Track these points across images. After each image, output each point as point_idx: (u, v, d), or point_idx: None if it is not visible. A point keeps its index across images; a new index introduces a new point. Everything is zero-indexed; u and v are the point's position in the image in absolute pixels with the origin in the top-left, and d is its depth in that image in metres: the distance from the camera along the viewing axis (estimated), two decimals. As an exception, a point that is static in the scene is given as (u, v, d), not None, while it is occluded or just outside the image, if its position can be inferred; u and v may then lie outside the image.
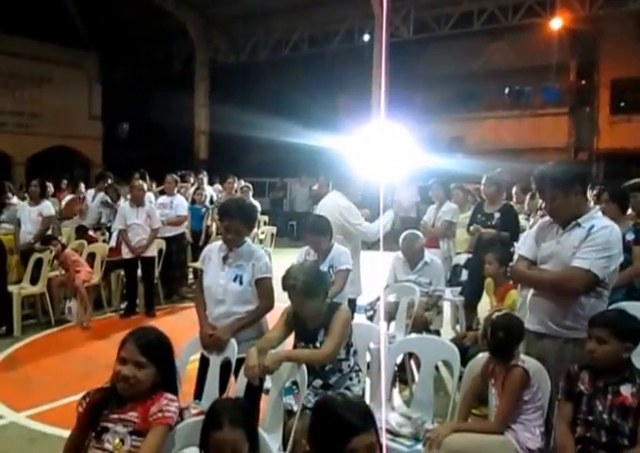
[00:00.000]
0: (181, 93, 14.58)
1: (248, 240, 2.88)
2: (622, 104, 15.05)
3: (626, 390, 2.07)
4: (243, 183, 8.55)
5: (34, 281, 5.59)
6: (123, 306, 6.12)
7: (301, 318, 2.60)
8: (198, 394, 2.69)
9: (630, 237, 3.44)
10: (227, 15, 13.97)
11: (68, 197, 8.49)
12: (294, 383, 2.55)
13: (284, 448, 2.32)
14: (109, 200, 7.11)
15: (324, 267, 3.27)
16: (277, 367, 2.40)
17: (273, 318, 2.88)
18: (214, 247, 2.90)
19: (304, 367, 2.41)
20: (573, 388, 2.17)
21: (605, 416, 2.07)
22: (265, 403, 2.66)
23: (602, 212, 3.98)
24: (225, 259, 2.79)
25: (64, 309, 5.65)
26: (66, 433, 1.94)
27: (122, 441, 1.79)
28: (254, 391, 2.56)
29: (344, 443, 1.39)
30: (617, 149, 13.99)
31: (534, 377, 2.34)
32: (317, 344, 2.55)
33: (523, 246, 2.66)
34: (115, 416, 1.82)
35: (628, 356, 2.12)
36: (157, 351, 1.87)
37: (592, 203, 4.39)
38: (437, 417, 2.67)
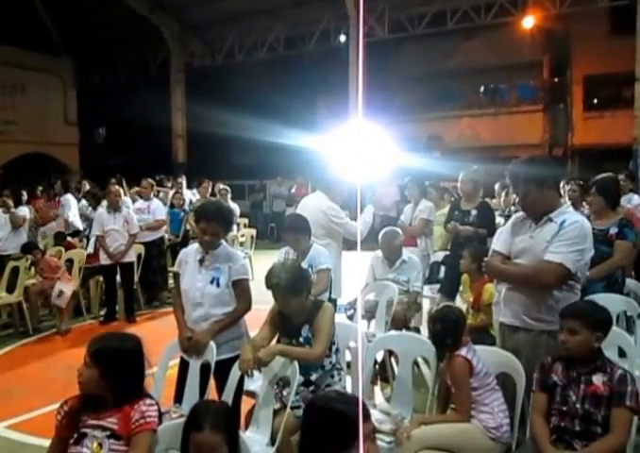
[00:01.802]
0: (158, 97, 14.47)
1: (224, 242, 2.88)
2: (595, 100, 15.35)
3: (597, 379, 2.12)
4: (221, 186, 8.54)
5: (11, 290, 5.50)
6: (102, 312, 6.05)
7: (286, 315, 2.63)
8: (178, 398, 2.69)
9: (613, 231, 3.49)
10: (201, 19, 13.93)
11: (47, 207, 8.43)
12: (277, 383, 2.57)
13: (272, 443, 2.36)
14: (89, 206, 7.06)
15: (303, 266, 3.29)
16: (270, 360, 2.44)
17: (252, 320, 2.89)
18: (190, 251, 2.90)
19: (296, 363, 2.45)
20: (547, 379, 2.21)
21: (578, 406, 2.11)
22: (245, 405, 2.68)
23: (589, 205, 4.07)
24: (201, 261, 2.79)
25: (56, 293, 5.45)
26: (46, 442, 1.95)
27: (100, 445, 1.80)
28: (235, 392, 2.58)
29: (352, 435, 1.42)
30: (591, 145, 14.24)
31: (479, 365, 2.41)
32: (300, 340, 2.59)
33: (497, 241, 2.71)
34: (93, 422, 1.83)
35: (598, 346, 2.17)
36: (104, 358, 1.85)
37: (567, 197, 4.50)
38: (417, 413, 2.70)
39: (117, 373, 1.83)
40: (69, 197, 7.42)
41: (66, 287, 5.47)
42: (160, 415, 1.91)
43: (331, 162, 4.04)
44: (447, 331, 2.46)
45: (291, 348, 2.56)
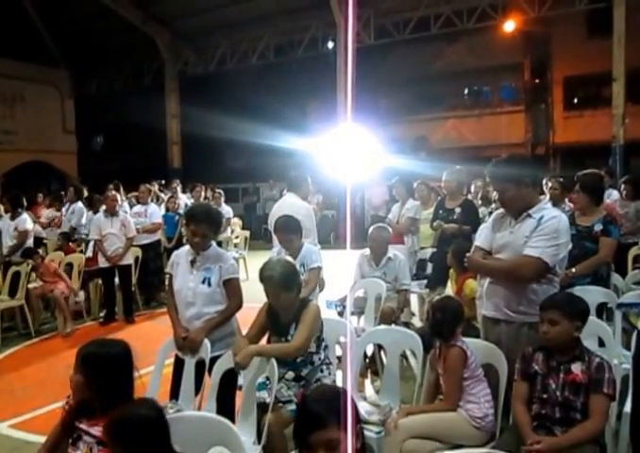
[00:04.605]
0: (153, 105, 14.74)
1: (214, 243, 2.96)
2: (575, 100, 15.69)
3: (576, 368, 2.19)
4: (215, 190, 8.72)
5: (13, 294, 5.59)
6: (102, 314, 6.16)
7: (275, 312, 2.69)
8: (174, 395, 2.76)
9: (598, 228, 3.55)
10: (193, 28, 14.22)
11: (48, 211, 8.48)
12: (268, 378, 2.64)
13: (259, 441, 2.40)
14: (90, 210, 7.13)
15: (295, 265, 3.36)
16: (248, 362, 2.48)
17: (245, 318, 2.96)
18: (182, 252, 2.98)
19: (273, 361, 2.50)
20: (528, 368, 2.28)
21: (558, 393, 2.18)
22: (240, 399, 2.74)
23: (573, 202, 4.12)
24: (192, 262, 2.87)
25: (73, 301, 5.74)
26: (48, 441, 1.98)
27: (90, 449, 1.84)
28: (229, 387, 2.65)
29: (307, 434, 1.37)
30: (572, 143, 14.53)
31: (472, 356, 2.48)
32: (289, 338, 2.65)
33: (479, 237, 2.81)
34: (85, 427, 1.88)
35: (578, 335, 2.24)
36: (87, 364, 1.86)
37: (548, 194, 4.63)
38: (404, 403, 2.78)
39: (100, 379, 1.82)
40: (82, 205, 7.48)
41: (80, 295, 5.81)
42: None
43: (301, 164, 4.16)
44: (447, 321, 2.51)
45: (267, 347, 2.62)
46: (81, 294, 5.98)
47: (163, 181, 9.93)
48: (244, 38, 13.83)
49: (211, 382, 2.62)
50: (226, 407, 2.60)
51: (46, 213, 8.29)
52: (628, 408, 2.48)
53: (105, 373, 1.83)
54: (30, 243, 6.17)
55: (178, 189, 9.04)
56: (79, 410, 1.89)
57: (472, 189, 6.90)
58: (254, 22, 13.09)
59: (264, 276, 2.60)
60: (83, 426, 1.86)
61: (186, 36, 14.69)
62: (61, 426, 1.92)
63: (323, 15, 12.00)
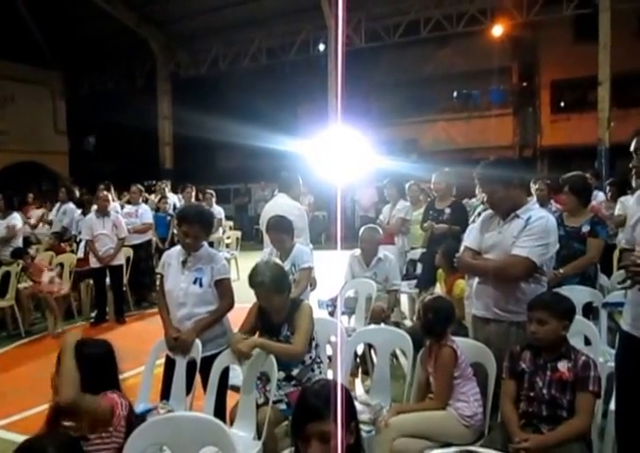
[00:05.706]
0: (145, 106, 14.77)
1: (206, 244, 2.96)
2: (562, 103, 15.93)
3: (563, 366, 2.22)
4: (207, 191, 8.74)
5: (3, 294, 5.57)
6: (93, 314, 6.15)
7: (266, 312, 2.71)
8: (165, 395, 2.76)
9: (585, 229, 3.59)
10: (186, 31, 14.29)
11: (38, 212, 8.44)
12: (259, 378, 2.65)
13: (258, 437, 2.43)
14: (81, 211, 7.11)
15: (286, 266, 3.39)
16: (249, 351, 2.52)
17: (238, 318, 2.97)
18: (173, 253, 2.98)
19: (272, 358, 2.52)
20: (516, 367, 2.31)
21: (545, 391, 2.21)
22: (231, 399, 2.76)
23: (560, 203, 4.16)
24: (184, 263, 2.87)
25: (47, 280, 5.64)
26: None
27: None
28: (220, 387, 2.65)
29: (302, 425, 1.43)
30: (559, 146, 14.77)
31: (462, 355, 2.52)
32: (281, 338, 2.67)
33: (468, 238, 2.84)
34: (70, 424, 1.88)
35: (565, 333, 2.27)
36: (78, 361, 1.87)
37: (535, 196, 4.70)
38: (395, 402, 2.80)
39: (82, 379, 1.83)
40: (73, 207, 7.48)
41: (53, 274, 5.63)
42: (149, 412, 1.95)
43: (290, 165, 4.20)
44: (438, 321, 2.54)
45: (271, 343, 2.63)
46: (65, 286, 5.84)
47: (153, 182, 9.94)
48: (236, 40, 13.93)
49: (210, 381, 2.63)
50: (217, 407, 2.60)
51: (35, 213, 8.28)
52: (613, 405, 2.50)
53: (86, 373, 1.84)
54: (20, 243, 6.15)
55: (167, 189, 9.04)
56: (63, 409, 1.88)
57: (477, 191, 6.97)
58: (246, 25, 13.19)
59: (255, 281, 2.62)
60: (69, 424, 1.86)
61: (179, 38, 14.75)
62: (47, 425, 1.91)
63: (314, 18, 12.13)
